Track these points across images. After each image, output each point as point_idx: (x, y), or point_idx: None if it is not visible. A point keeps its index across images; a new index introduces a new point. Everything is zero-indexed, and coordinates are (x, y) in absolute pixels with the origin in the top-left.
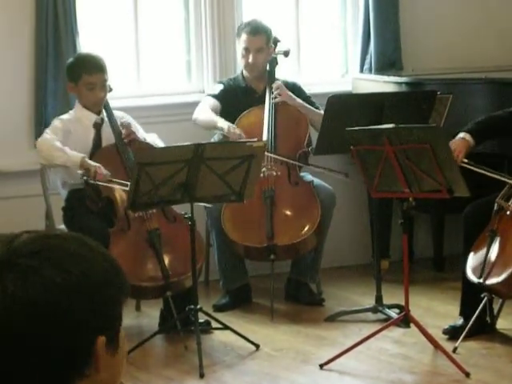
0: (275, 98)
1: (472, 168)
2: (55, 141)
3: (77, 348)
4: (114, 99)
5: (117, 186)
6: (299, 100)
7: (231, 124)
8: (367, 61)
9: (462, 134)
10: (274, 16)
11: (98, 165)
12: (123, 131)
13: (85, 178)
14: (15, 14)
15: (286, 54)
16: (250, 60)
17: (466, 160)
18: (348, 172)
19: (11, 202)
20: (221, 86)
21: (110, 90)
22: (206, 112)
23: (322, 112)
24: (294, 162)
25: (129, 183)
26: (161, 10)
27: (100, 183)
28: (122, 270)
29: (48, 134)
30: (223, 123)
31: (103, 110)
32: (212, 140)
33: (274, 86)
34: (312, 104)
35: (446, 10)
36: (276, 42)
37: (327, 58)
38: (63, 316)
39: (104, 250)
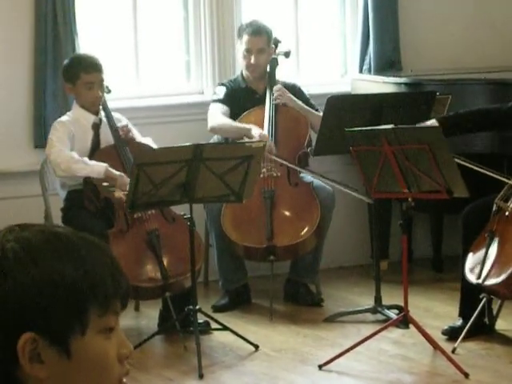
0: (276, 99)
1: (467, 165)
2: (69, 151)
3: None
4: (113, 100)
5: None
6: (299, 102)
7: (261, 130)
8: (366, 61)
9: (430, 121)
10: (273, 17)
11: (121, 174)
12: (121, 132)
13: (111, 189)
14: (14, 15)
15: (287, 54)
16: (252, 61)
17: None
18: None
19: (10, 203)
20: (223, 89)
21: (109, 91)
22: (223, 119)
23: (320, 114)
24: (296, 168)
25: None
26: (160, 10)
27: (125, 192)
28: (106, 280)
29: (56, 144)
30: (254, 129)
31: (101, 111)
32: (211, 141)
33: (275, 87)
34: (311, 106)
35: (445, 11)
36: (277, 42)
37: (326, 59)
38: None
39: (83, 253)
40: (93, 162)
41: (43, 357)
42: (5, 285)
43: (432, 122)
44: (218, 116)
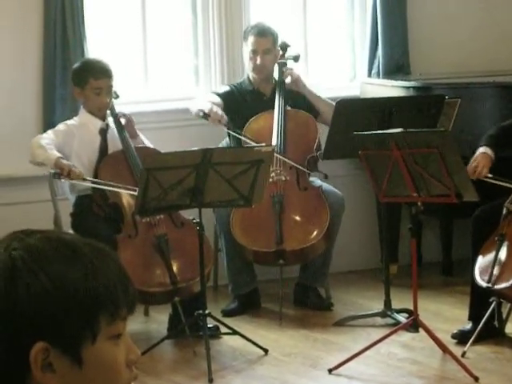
0: (287, 77)
1: (495, 182)
2: (45, 139)
3: (9, 350)
4: (121, 104)
5: (123, 191)
6: (307, 87)
7: (214, 106)
8: (375, 65)
9: (482, 149)
10: (281, 20)
11: (71, 164)
12: (122, 120)
13: (56, 175)
14: (23, 20)
15: (296, 58)
16: (258, 61)
17: (490, 174)
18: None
19: (20, 208)
20: (226, 88)
21: (117, 96)
22: (203, 100)
23: (330, 102)
24: (301, 168)
25: (136, 188)
26: (168, 14)
27: (74, 181)
28: (111, 284)
29: (47, 133)
30: (205, 105)
31: (109, 116)
32: (220, 145)
33: (287, 70)
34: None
35: (454, 14)
36: (286, 46)
37: (335, 63)
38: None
39: (90, 259)
40: (51, 152)
41: (55, 366)
42: (16, 294)
43: (484, 149)
44: (202, 98)
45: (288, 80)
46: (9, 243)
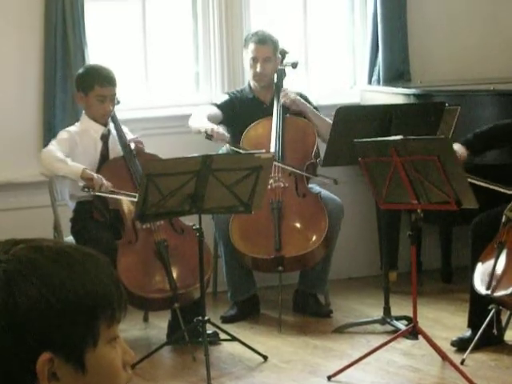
0: (284, 101)
1: (475, 182)
2: (58, 151)
3: (15, 362)
4: (122, 111)
5: (124, 198)
6: (307, 104)
7: (215, 125)
8: (375, 72)
9: (455, 146)
10: (282, 27)
11: (99, 176)
12: (133, 146)
13: (86, 189)
14: (24, 26)
15: (294, 65)
16: (258, 69)
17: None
18: (339, 180)
19: (20, 213)
20: (226, 97)
21: (118, 102)
22: (200, 118)
23: (329, 120)
24: (300, 172)
25: (136, 194)
26: (169, 21)
27: (103, 194)
28: (110, 289)
29: (53, 145)
30: (207, 125)
31: (110, 122)
32: (220, 151)
33: (282, 92)
34: None
35: (455, 22)
36: (284, 53)
37: (335, 70)
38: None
39: (88, 266)
40: (72, 163)
41: (59, 374)
42: (16, 307)
43: (458, 148)
44: (200, 114)
45: (285, 102)
46: (1, 254)
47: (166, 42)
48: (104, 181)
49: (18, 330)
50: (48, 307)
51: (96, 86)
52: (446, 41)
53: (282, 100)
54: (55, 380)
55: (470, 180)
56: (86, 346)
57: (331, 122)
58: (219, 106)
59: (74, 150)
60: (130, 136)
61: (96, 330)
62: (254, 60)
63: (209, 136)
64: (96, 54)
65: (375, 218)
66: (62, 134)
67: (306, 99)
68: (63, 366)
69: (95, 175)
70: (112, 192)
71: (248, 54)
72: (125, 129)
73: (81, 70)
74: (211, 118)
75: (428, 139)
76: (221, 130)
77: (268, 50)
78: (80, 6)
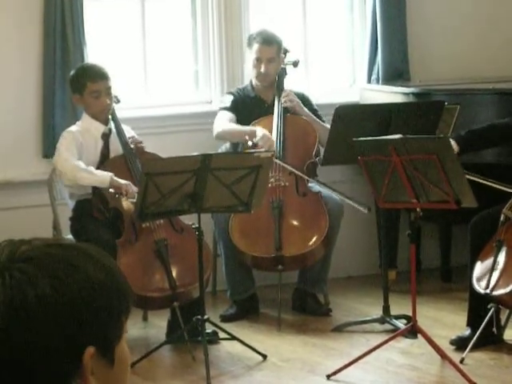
0: (285, 102)
1: (472, 178)
2: (76, 160)
3: (63, 357)
4: (122, 110)
5: (129, 200)
6: (307, 111)
7: (265, 130)
8: (375, 71)
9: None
10: (281, 26)
11: (127, 182)
12: (132, 145)
13: (116, 195)
14: (23, 26)
15: (296, 64)
16: (262, 70)
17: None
18: (368, 205)
19: (19, 212)
20: (231, 97)
21: (118, 101)
22: (228, 124)
23: (327, 125)
24: (302, 175)
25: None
26: (168, 20)
27: (131, 200)
28: (127, 286)
29: (64, 153)
30: (258, 130)
31: (111, 121)
32: (220, 150)
33: (284, 92)
34: (318, 117)
35: (454, 21)
36: (285, 52)
37: (335, 69)
38: (50, 326)
39: (108, 263)
40: (98, 172)
41: (94, 369)
42: (63, 297)
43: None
44: (223, 122)
45: (286, 104)
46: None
47: (165, 41)
48: (133, 187)
49: (66, 324)
50: (90, 300)
51: (88, 82)
52: (445, 40)
53: (282, 100)
54: (91, 374)
55: (472, 178)
56: (117, 339)
57: (328, 126)
58: (230, 109)
59: (80, 150)
60: (129, 133)
61: (122, 324)
62: (258, 60)
63: (254, 145)
64: (95, 53)
65: (374, 217)
66: (67, 137)
67: (308, 100)
68: (99, 360)
69: (123, 182)
70: (134, 197)
71: (252, 53)
72: (126, 127)
73: (71, 73)
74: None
75: (427, 138)
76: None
77: (272, 50)
78: (79, 6)
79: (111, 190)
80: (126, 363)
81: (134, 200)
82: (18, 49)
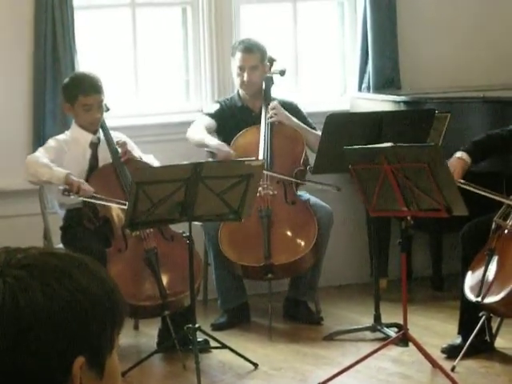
0: (271, 117)
1: (469, 188)
2: (43, 158)
3: (52, 365)
4: (112, 118)
5: (113, 205)
6: (295, 120)
7: (220, 142)
8: (365, 80)
9: (458, 154)
10: (272, 35)
11: (81, 181)
12: (119, 150)
13: (66, 193)
14: (14, 34)
15: (282, 73)
16: (245, 78)
17: (462, 180)
18: (341, 187)
19: (10, 221)
20: (217, 106)
21: (107, 109)
22: (199, 131)
23: (318, 133)
24: (289, 179)
25: (125, 202)
26: (159, 29)
27: (82, 198)
28: (120, 297)
29: (39, 151)
30: (212, 141)
31: (100, 130)
32: (210, 159)
33: (271, 105)
34: (309, 125)
35: (444, 29)
36: (272, 61)
37: (325, 77)
38: (40, 334)
39: (104, 275)
40: (57, 168)
41: (83, 379)
42: (53, 306)
43: (461, 154)
44: (198, 128)
45: (273, 119)
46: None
47: (156, 51)
48: (84, 185)
49: (57, 332)
50: (82, 310)
51: (80, 96)
52: (436, 48)
53: (268, 116)
54: None
55: (463, 186)
56: (107, 351)
57: (319, 133)
58: (212, 116)
59: (61, 158)
60: (116, 137)
61: (114, 336)
62: (241, 69)
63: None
64: (86, 62)
65: (365, 226)
66: (50, 142)
67: (297, 108)
68: (88, 371)
69: (76, 179)
70: (93, 197)
71: (235, 62)
72: (116, 134)
73: (65, 81)
74: (207, 129)
75: (418, 146)
76: (227, 148)
77: (255, 58)
78: (70, 14)
79: (60, 187)
80: (116, 378)
81: (89, 200)
82: (9, 57)
